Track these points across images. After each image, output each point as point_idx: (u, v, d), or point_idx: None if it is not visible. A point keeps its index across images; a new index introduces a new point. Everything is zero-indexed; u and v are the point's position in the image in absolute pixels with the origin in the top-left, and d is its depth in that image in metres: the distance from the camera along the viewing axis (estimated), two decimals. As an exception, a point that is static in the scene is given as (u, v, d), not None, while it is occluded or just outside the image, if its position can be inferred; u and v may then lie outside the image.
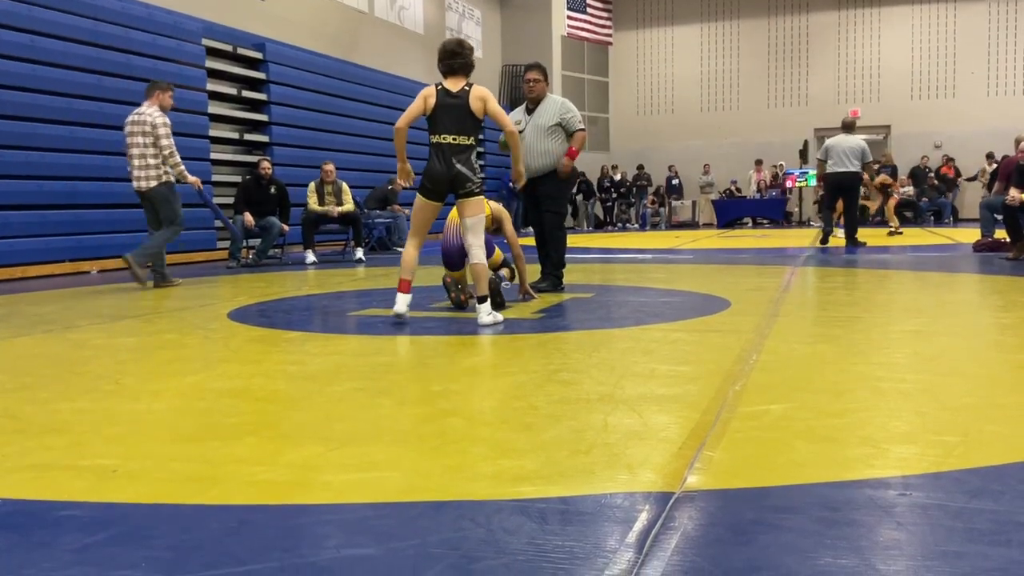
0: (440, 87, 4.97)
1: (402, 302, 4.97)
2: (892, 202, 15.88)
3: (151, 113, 7.60)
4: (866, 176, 12.34)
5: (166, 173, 7.66)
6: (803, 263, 9.13)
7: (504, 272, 5.72)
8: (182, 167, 7.73)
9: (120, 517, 1.94)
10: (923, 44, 23.01)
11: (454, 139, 4.89)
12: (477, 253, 4.95)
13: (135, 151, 7.60)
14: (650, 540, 1.73)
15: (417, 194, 5.06)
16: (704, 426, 2.59)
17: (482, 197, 5.03)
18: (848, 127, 11.73)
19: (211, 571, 1.63)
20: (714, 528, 1.81)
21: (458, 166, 4.88)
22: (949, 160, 21.78)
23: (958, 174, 21.72)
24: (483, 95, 4.94)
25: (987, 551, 1.65)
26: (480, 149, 20.35)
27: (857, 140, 11.55)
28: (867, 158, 11.50)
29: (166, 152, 7.57)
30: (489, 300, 4.91)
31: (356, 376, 3.58)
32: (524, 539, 1.74)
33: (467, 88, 4.94)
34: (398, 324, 4.94)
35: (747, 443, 2.41)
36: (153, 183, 7.62)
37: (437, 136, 4.92)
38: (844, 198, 11.64)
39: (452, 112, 4.90)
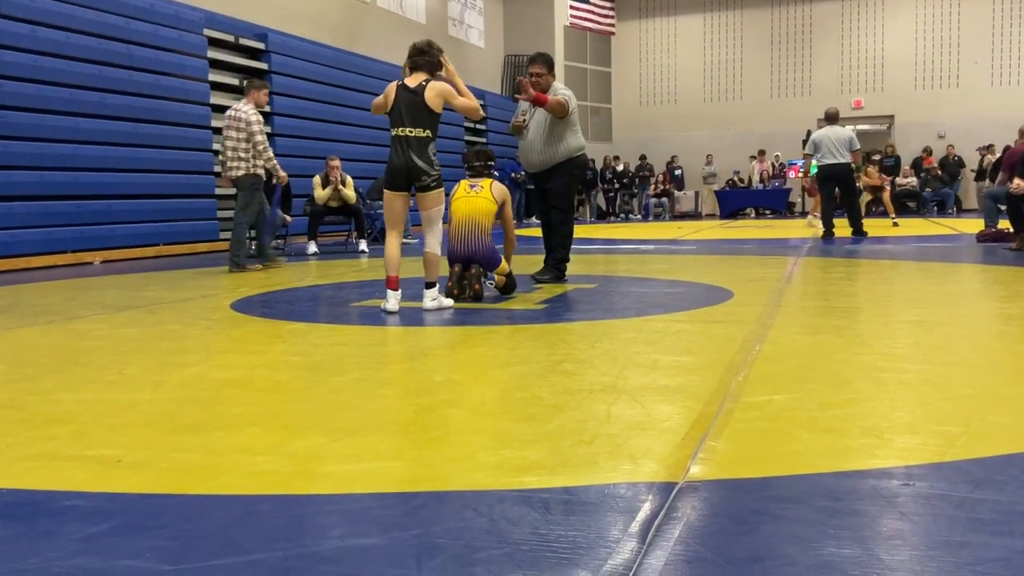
0: (400, 83, 5.18)
1: (392, 298, 5.10)
2: (886, 194, 15.86)
3: (246, 111, 8.23)
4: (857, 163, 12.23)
5: (255, 166, 8.28)
6: (806, 254, 9.12)
7: (497, 279, 5.73)
8: (274, 161, 8.40)
9: (124, 507, 1.94)
10: (927, 34, 22.93)
11: (410, 132, 5.08)
12: (430, 241, 5.20)
13: (229, 143, 8.23)
14: (653, 530, 1.73)
15: (384, 188, 5.28)
16: (707, 416, 2.59)
17: (442, 189, 5.17)
18: (832, 118, 11.68)
19: (215, 561, 1.63)
20: (717, 518, 1.81)
21: (414, 158, 5.05)
22: (926, 151, 21.62)
23: (959, 163, 21.61)
24: (441, 90, 5.11)
25: (990, 541, 1.65)
26: (486, 140, 20.30)
27: (844, 130, 11.50)
28: (855, 146, 11.45)
29: (259, 147, 8.20)
30: (436, 287, 5.14)
31: (359, 367, 3.58)
32: (527, 529, 1.74)
33: (424, 83, 5.11)
34: (402, 316, 4.97)
35: (750, 433, 2.42)
36: (241, 172, 8.25)
37: (395, 129, 5.14)
38: (841, 189, 11.59)
39: (409, 106, 5.08)
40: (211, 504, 1.96)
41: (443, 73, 5.23)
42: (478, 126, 20.25)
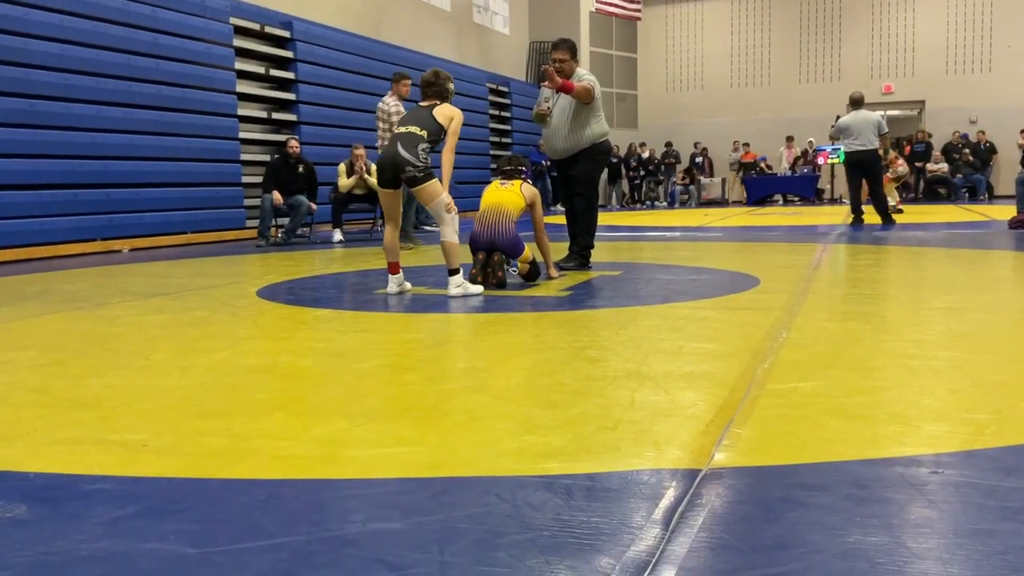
0: (416, 105, 5.56)
1: (393, 282, 5.41)
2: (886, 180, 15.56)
3: (388, 103, 9.09)
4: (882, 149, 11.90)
5: None
6: (834, 241, 9.03)
7: (521, 266, 5.71)
8: None
9: (149, 491, 1.96)
10: (958, 17, 22.56)
11: (407, 129, 5.28)
12: (444, 230, 5.32)
13: (378, 134, 9.13)
14: (677, 516, 1.72)
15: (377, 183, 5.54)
16: (732, 403, 2.56)
17: (435, 180, 5.27)
18: (859, 102, 11.46)
19: (239, 544, 1.64)
20: (742, 505, 1.79)
21: (401, 150, 5.18)
22: (898, 140, 21.31)
23: (991, 149, 21.27)
24: (451, 112, 5.34)
25: (1020, 529, 1.62)
26: (510, 127, 20.28)
27: (873, 114, 11.30)
28: (883, 130, 11.24)
29: (386, 138, 8.77)
30: (460, 274, 5.23)
31: (382, 353, 3.59)
32: (549, 515, 1.73)
33: (436, 104, 5.41)
34: (426, 303, 4.98)
35: (776, 420, 2.39)
36: None
37: (397, 128, 5.36)
38: (866, 176, 11.38)
39: (417, 113, 5.40)
40: (235, 488, 1.97)
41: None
42: (503, 113, 20.22)
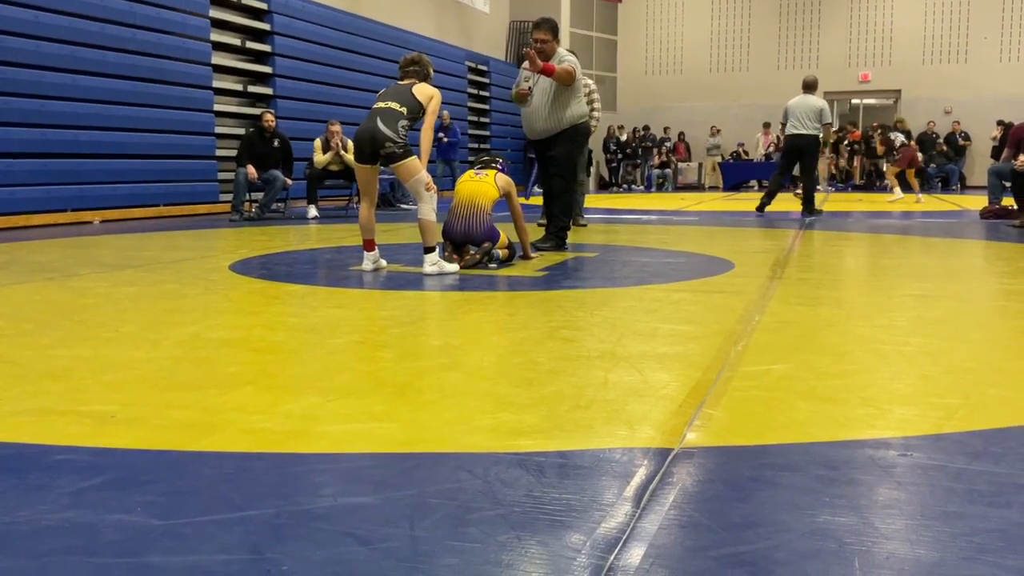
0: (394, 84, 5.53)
1: (368, 260, 5.40)
2: (892, 168, 15.47)
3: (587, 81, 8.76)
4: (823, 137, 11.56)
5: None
6: (808, 226, 9.08)
7: (501, 253, 5.66)
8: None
9: (117, 462, 1.94)
10: (936, 8, 22.68)
11: (387, 104, 5.23)
12: (423, 208, 5.29)
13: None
14: (647, 495, 1.72)
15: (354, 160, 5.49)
16: (705, 384, 2.58)
17: (414, 157, 5.25)
18: (809, 87, 11.18)
19: (206, 516, 1.62)
20: (712, 484, 1.80)
21: (380, 124, 5.14)
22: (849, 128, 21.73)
23: (965, 138, 21.47)
24: (430, 90, 5.31)
25: (986, 512, 1.64)
26: (489, 107, 20.16)
27: (817, 100, 10.98)
28: (826, 119, 10.88)
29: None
30: (436, 251, 5.22)
31: (356, 329, 3.57)
32: (521, 491, 1.73)
33: (416, 82, 5.37)
34: (401, 280, 4.96)
35: (748, 402, 2.40)
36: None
37: (376, 104, 5.30)
38: (800, 161, 11.14)
39: (396, 90, 5.35)
40: (204, 461, 1.95)
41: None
42: (482, 92, 20.11)
